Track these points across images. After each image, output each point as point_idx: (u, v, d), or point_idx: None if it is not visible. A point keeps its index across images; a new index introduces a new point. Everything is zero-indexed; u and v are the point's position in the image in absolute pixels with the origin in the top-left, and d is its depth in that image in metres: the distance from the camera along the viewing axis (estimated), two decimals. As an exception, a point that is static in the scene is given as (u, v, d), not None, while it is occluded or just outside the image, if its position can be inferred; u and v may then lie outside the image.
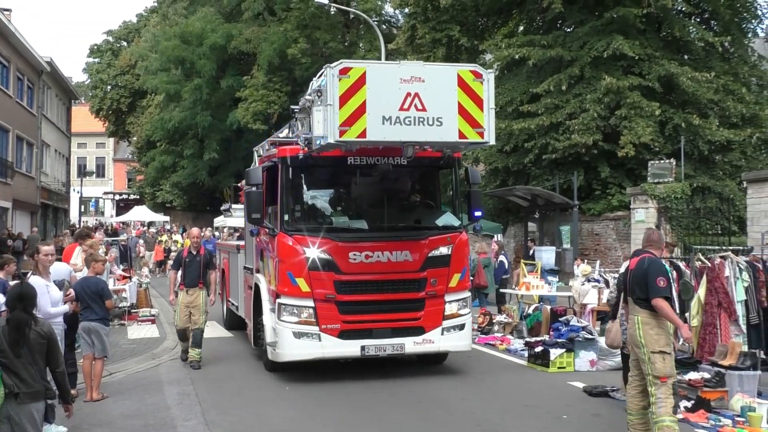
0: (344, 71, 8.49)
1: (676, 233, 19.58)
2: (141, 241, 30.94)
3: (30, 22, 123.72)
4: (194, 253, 11.56)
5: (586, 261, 18.21)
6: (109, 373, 10.36)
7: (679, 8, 23.72)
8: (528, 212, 24.23)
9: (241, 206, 14.83)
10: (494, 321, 14.69)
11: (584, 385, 9.81)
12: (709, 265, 9.81)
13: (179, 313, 11.41)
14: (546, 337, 11.96)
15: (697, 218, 20.26)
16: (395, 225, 10.42)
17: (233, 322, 14.57)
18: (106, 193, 74.84)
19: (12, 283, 8.85)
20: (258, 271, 11.35)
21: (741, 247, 11.47)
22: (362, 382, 10.04)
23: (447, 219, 10.68)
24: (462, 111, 8.82)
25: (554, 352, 10.96)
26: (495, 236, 23.63)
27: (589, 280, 14.21)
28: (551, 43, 23.10)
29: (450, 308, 10.26)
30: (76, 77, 65.29)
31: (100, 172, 75.89)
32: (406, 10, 29.88)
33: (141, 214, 51.14)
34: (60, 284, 8.87)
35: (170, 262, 17.79)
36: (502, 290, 17.86)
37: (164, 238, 36.03)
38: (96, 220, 60.85)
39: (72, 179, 51.99)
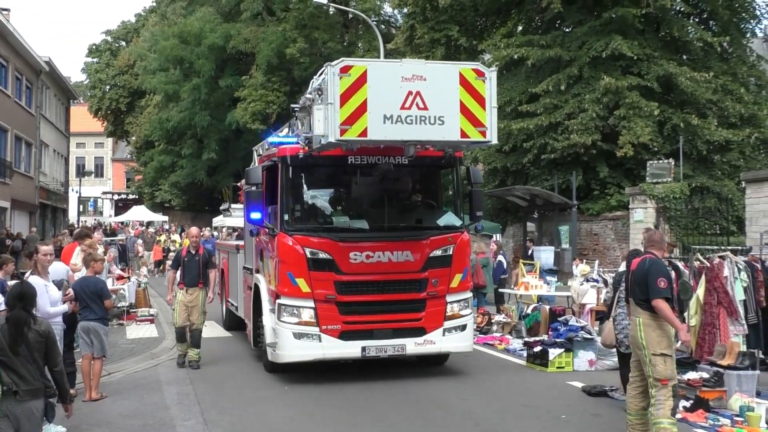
0: (345, 69, 8.43)
1: (674, 233, 19.60)
2: (140, 241, 30.96)
3: (28, 22, 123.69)
4: (193, 252, 11.52)
5: (584, 261, 18.23)
6: (107, 372, 10.35)
7: (678, 8, 23.76)
8: (527, 212, 24.25)
9: (241, 206, 14.79)
10: (493, 321, 14.71)
11: (583, 384, 9.82)
12: (708, 265, 9.82)
13: (178, 312, 11.37)
14: (545, 337, 11.96)
15: (696, 218, 20.29)
16: (396, 225, 10.35)
17: (233, 323, 14.53)
18: (104, 192, 74.76)
19: (11, 282, 8.86)
20: (258, 272, 11.29)
21: (740, 247, 11.48)
22: (361, 382, 10.02)
23: (448, 219, 10.59)
24: (464, 110, 8.76)
25: (553, 352, 10.96)
26: (494, 236, 23.64)
27: (587, 280, 14.23)
28: (550, 43, 23.12)
29: (451, 309, 10.18)
30: (74, 77, 65.32)
31: (99, 171, 75.78)
32: (405, 10, 29.89)
33: (140, 213, 51.12)
34: (59, 284, 8.88)
35: (169, 262, 17.80)
36: (500, 290, 17.86)
37: (163, 237, 36.05)
38: (95, 219, 60.79)
39: (71, 179, 51.95)
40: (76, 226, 37.88)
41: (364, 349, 9.75)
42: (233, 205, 24.28)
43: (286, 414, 8.61)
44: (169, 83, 42.93)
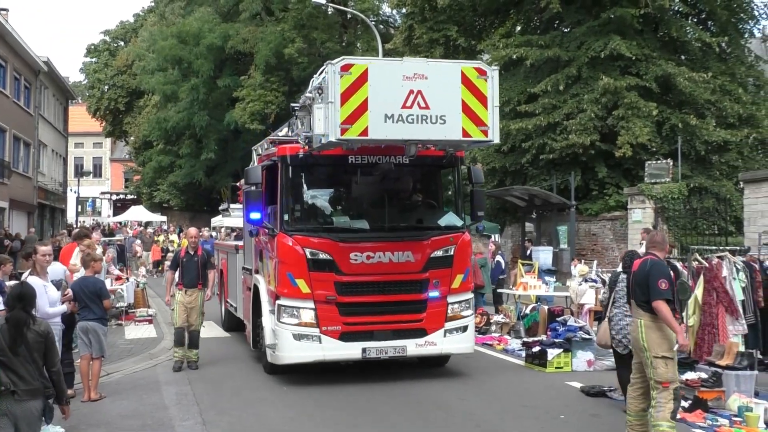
0: (346, 68, 8.37)
1: (673, 233, 19.62)
2: (138, 241, 30.95)
3: (27, 22, 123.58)
4: (192, 253, 11.48)
5: (583, 261, 18.24)
6: (106, 373, 10.36)
7: (676, 9, 23.79)
8: (525, 212, 24.26)
9: (240, 206, 14.76)
10: (491, 321, 14.73)
11: (582, 385, 9.83)
12: (707, 265, 9.82)
13: (178, 313, 11.31)
14: (543, 338, 11.97)
15: (694, 218, 20.32)
16: (397, 225, 10.29)
17: (232, 323, 14.46)
18: (103, 193, 74.69)
19: (9, 283, 8.87)
20: (257, 272, 11.24)
21: (738, 248, 11.49)
22: (361, 383, 10.02)
23: (449, 219, 10.51)
24: (466, 109, 8.69)
25: (552, 352, 10.97)
26: (492, 236, 23.64)
27: (586, 280, 14.24)
28: (549, 43, 23.14)
29: (452, 310, 10.12)
30: (73, 77, 65.51)
31: (97, 172, 75.78)
32: (404, 10, 29.90)
33: (138, 214, 51.09)
34: (57, 284, 8.87)
35: (167, 262, 17.77)
36: (499, 290, 17.86)
37: (161, 238, 36.04)
38: (93, 220, 60.81)
39: (69, 179, 51.89)
40: (74, 226, 37.84)
41: (364, 350, 9.68)
42: (232, 205, 24.28)
43: (285, 415, 8.61)
44: (168, 83, 42.92)
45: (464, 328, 10.29)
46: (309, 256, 9.58)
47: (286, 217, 9.82)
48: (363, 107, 8.33)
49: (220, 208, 27.47)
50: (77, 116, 59.69)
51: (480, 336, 13.81)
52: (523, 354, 11.76)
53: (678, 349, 6.92)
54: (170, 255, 22.46)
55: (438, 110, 8.57)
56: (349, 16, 40.02)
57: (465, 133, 8.74)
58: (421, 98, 8.49)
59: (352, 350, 9.70)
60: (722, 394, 8.69)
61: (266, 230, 10.23)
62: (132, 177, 64.92)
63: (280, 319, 9.74)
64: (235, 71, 42.99)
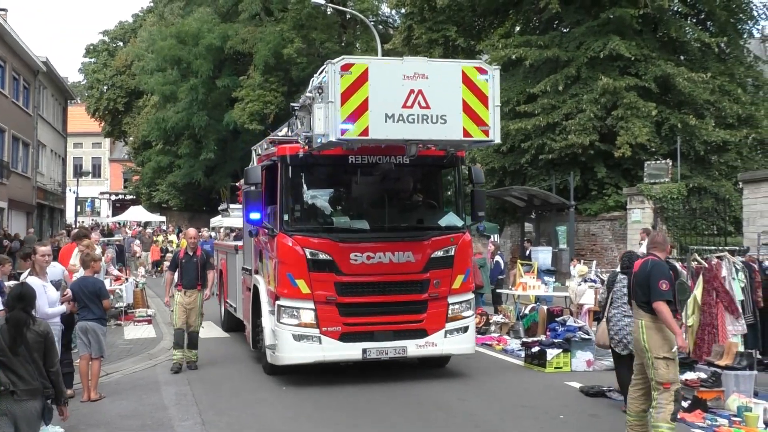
0: (346, 67, 8.33)
1: (672, 234, 19.62)
2: (137, 242, 30.95)
3: (26, 22, 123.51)
4: (191, 254, 11.45)
5: (582, 261, 18.25)
6: (105, 373, 10.36)
7: (676, 9, 23.77)
8: (524, 212, 24.25)
9: (240, 206, 14.73)
10: (491, 321, 14.73)
11: (581, 385, 9.83)
12: (706, 265, 9.82)
13: (177, 314, 11.27)
14: (543, 338, 11.97)
15: (693, 219, 20.32)
16: (397, 225, 10.26)
17: (231, 324, 14.43)
18: (102, 193, 74.63)
19: (8, 283, 8.87)
20: (257, 272, 11.21)
21: (737, 248, 11.50)
22: (360, 383, 10.01)
23: (450, 219, 10.46)
24: (466, 108, 8.65)
25: (551, 353, 10.97)
26: (491, 236, 23.64)
27: (585, 281, 14.24)
28: (548, 43, 23.13)
29: (453, 310, 10.08)
30: (72, 77, 65.54)
31: (96, 172, 75.75)
32: (403, 10, 29.88)
33: (137, 214, 51.09)
34: (57, 284, 8.87)
35: (167, 263, 17.77)
36: (498, 291, 17.87)
37: (160, 238, 36.04)
38: (92, 220, 60.74)
39: (68, 179, 51.86)
40: (73, 226, 37.84)
41: (364, 351, 9.65)
42: (232, 206, 24.25)
43: (284, 415, 8.61)
44: (167, 84, 42.94)
45: (465, 329, 10.25)
46: (309, 257, 9.55)
47: (285, 217, 9.78)
48: (363, 107, 8.29)
49: (220, 208, 27.45)
50: (76, 116, 59.69)
51: (479, 336, 13.80)
52: (523, 354, 11.76)
53: (675, 350, 6.90)
54: (169, 255, 22.49)
55: (439, 110, 8.53)
56: (348, 16, 40.04)
57: (466, 133, 8.69)
58: (422, 98, 8.45)
59: (352, 351, 9.66)
60: (721, 394, 8.70)
61: (266, 230, 10.19)
62: (131, 177, 64.90)
63: (280, 319, 9.71)
64: (234, 71, 43.00)
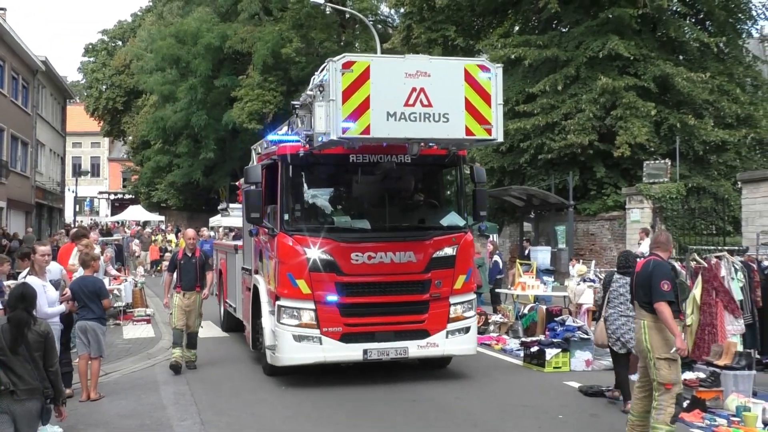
0: (347, 65, 8.23)
1: (671, 233, 19.63)
2: (136, 241, 30.96)
3: (25, 22, 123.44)
4: (189, 255, 11.38)
5: (581, 261, 18.24)
6: (104, 373, 10.34)
7: (675, 9, 23.80)
8: (523, 212, 24.27)
9: (239, 206, 14.67)
10: (490, 321, 14.71)
11: (580, 384, 9.83)
12: (706, 265, 9.82)
13: (176, 315, 11.19)
14: (542, 337, 11.97)
15: (692, 218, 20.35)
16: (398, 225, 10.17)
17: (231, 324, 14.35)
18: (101, 192, 74.66)
19: (6, 282, 8.86)
20: (257, 272, 11.12)
21: (737, 248, 11.50)
22: (359, 383, 10.00)
23: (452, 219, 10.37)
24: (469, 107, 8.56)
25: (550, 352, 10.97)
26: (490, 236, 23.64)
27: (584, 280, 14.22)
28: (547, 43, 23.15)
29: (455, 311, 9.99)
30: (71, 76, 65.50)
31: (95, 171, 75.69)
32: (402, 9, 29.88)
33: (136, 213, 51.09)
34: (56, 284, 8.86)
35: (165, 262, 17.77)
36: (497, 290, 17.88)
37: (159, 237, 36.04)
38: (91, 219, 60.72)
39: (67, 179, 51.86)
40: (72, 225, 37.84)
41: (365, 351, 9.57)
42: (231, 205, 24.24)
43: (284, 414, 8.60)
44: (166, 83, 42.94)
45: (467, 329, 10.17)
46: (309, 257, 9.46)
47: (286, 216, 9.70)
48: (365, 105, 8.20)
49: (219, 207, 27.47)
50: (75, 116, 59.67)
51: (478, 336, 13.79)
52: (522, 354, 11.76)
53: (673, 352, 6.88)
54: (168, 255, 22.48)
55: (441, 108, 8.44)
56: (347, 15, 40.02)
57: (468, 132, 8.61)
58: (424, 96, 8.36)
59: (353, 352, 9.58)
60: (720, 394, 8.70)
61: (266, 230, 10.11)
62: (130, 176, 64.92)
63: (280, 320, 9.63)
64: (233, 71, 42.98)
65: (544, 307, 13.64)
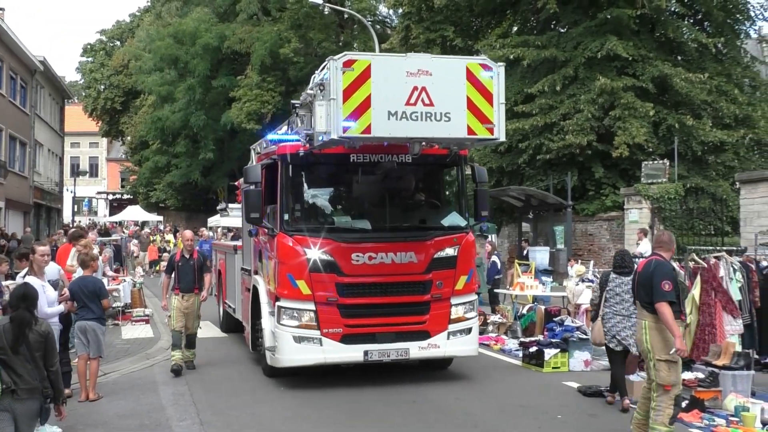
0: (348, 63, 8.16)
1: (670, 234, 19.65)
2: (135, 241, 30.94)
3: (23, 22, 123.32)
4: (187, 256, 11.33)
5: (579, 261, 18.26)
6: (103, 373, 10.34)
7: (673, 9, 23.81)
8: (522, 212, 24.27)
9: (239, 206, 14.62)
10: (488, 321, 14.72)
11: (579, 385, 9.84)
12: (705, 265, 9.83)
13: (175, 318, 11.16)
14: (540, 338, 11.97)
15: (691, 219, 20.35)
16: (399, 225, 10.10)
17: (230, 325, 14.29)
18: (99, 192, 74.54)
19: (5, 282, 8.87)
20: (256, 273, 11.06)
21: (735, 248, 11.51)
22: (358, 383, 9.99)
23: (453, 219, 10.30)
24: (471, 106, 8.49)
25: (549, 353, 10.98)
26: (489, 236, 23.63)
27: (583, 281, 14.25)
28: (545, 43, 23.15)
29: (456, 312, 9.92)
30: (69, 77, 65.30)
31: (94, 171, 75.63)
32: (400, 10, 29.87)
33: (134, 213, 51.03)
34: (55, 284, 8.86)
35: (164, 263, 17.75)
36: (496, 290, 17.88)
37: (157, 238, 36.05)
38: (89, 219, 60.65)
39: (65, 179, 51.79)
40: (70, 226, 37.80)
41: (366, 353, 9.50)
42: (231, 205, 24.21)
43: (283, 415, 8.60)
44: (164, 84, 42.92)
45: (468, 330, 10.10)
46: (309, 257, 9.40)
47: (286, 216, 9.64)
48: (366, 104, 8.14)
49: (218, 207, 27.44)
50: (73, 116, 59.58)
51: (477, 336, 13.81)
52: (520, 354, 11.77)
53: (673, 353, 6.89)
54: (166, 255, 22.46)
55: (442, 107, 8.37)
56: (345, 16, 40.00)
57: (470, 131, 8.55)
58: (426, 95, 8.29)
59: (353, 353, 9.52)
60: (719, 394, 8.72)
61: (266, 230, 10.05)
62: (128, 177, 64.87)
63: (280, 321, 9.58)
64: (231, 71, 42.97)
65: (543, 308, 13.64)
